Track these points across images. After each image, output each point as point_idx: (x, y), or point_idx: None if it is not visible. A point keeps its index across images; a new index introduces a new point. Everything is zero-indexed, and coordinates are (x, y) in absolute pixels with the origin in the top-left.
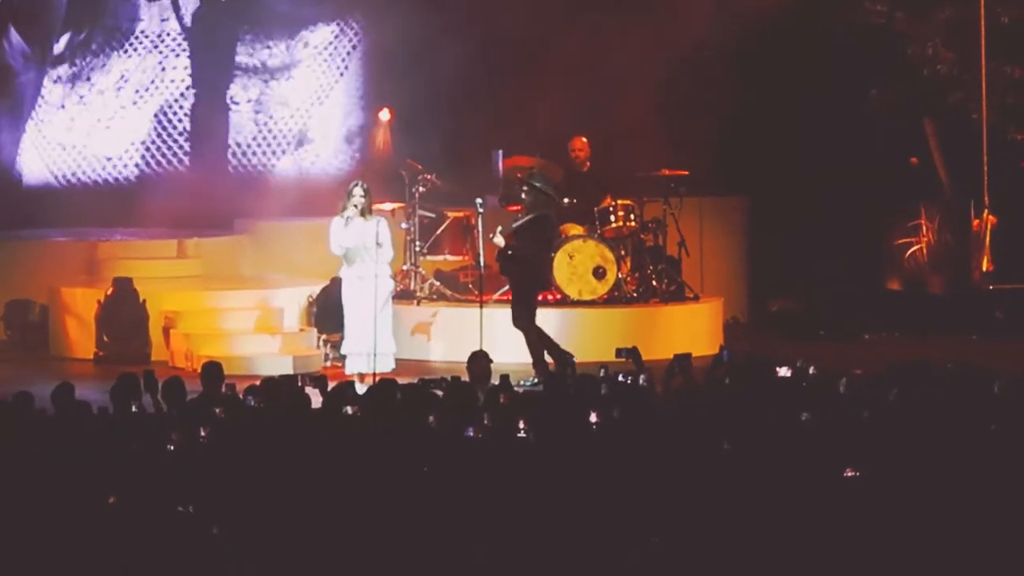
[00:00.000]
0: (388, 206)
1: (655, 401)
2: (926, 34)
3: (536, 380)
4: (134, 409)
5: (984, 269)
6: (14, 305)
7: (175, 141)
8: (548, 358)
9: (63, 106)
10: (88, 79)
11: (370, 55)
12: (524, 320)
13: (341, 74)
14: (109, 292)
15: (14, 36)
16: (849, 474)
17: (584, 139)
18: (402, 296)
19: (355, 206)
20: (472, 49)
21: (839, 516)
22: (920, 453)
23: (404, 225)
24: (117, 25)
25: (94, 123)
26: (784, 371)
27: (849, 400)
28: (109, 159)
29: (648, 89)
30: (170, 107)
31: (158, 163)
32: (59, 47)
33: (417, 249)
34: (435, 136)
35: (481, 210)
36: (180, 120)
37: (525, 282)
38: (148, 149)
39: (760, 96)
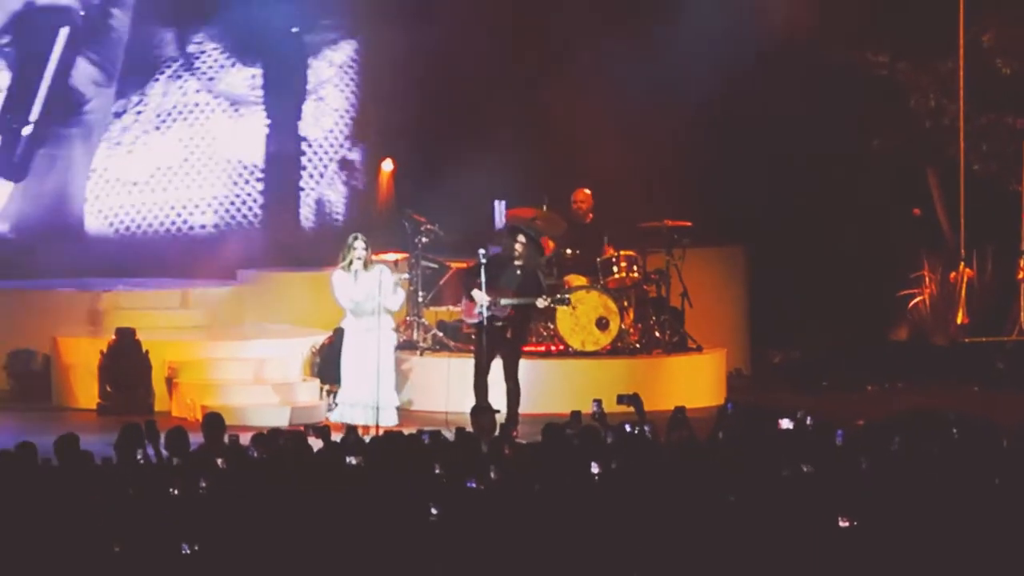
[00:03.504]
0: (391, 256)
1: (659, 452)
2: (929, 85)
3: None
4: (139, 459)
5: (959, 322)
6: (16, 355)
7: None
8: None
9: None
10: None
11: (371, 105)
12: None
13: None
14: (112, 342)
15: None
16: (844, 524)
17: (587, 191)
18: (404, 347)
19: (358, 259)
20: (476, 99)
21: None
22: (921, 504)
23: (406, 276)
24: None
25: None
26: (787, 423)
27: (848, 451)
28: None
29: (650, 140)
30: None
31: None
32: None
33: (420, 300)
34: (437, 186)
35: (484, 260)
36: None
37: (525, 338)
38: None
39: (761, 145)
